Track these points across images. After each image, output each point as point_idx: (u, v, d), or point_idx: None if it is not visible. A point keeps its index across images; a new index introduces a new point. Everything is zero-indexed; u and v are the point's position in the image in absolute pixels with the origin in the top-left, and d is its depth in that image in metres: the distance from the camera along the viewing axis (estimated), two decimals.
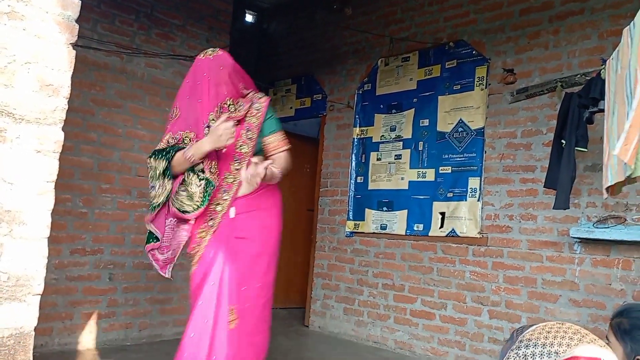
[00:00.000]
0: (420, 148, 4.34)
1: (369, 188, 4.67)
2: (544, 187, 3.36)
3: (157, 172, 2.31)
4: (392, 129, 4.58)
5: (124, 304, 3.80)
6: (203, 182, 2.28)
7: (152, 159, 2.34)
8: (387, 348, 4.30)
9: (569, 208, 3.16)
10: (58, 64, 1.80)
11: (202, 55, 2.37)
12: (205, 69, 2.32)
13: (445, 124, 4.19)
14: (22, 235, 1.72)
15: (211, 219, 2.34)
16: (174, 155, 2.30)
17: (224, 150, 2.33)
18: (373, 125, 4.74)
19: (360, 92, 4.90)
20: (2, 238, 1.68)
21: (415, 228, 4.27)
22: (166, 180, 2.31)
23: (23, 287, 1.73)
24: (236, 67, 2.37)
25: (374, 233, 4.57)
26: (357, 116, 4.88)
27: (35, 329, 1.80)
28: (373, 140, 4.72)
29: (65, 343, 3.48)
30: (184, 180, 2.31)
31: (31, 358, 1.78)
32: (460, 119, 4.10)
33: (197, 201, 2.27)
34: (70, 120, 1.92)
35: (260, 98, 2.43)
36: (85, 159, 3.63)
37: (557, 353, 1.10)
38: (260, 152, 2.42)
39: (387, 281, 4.42)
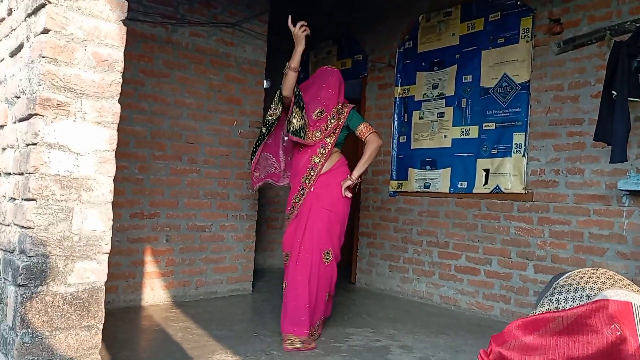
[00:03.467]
0: (464, 105, 4.30)
1: (412, 147, 4.69)
2: (594, 140, 3.29)
3: (275, 96, 3.27)
4: (435, 87, 4.54)
5: (180, 263, 4.05)
6: (299, 109, 3.16)
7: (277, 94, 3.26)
8: (432, 303, 4.41)
9: (627, 160, 3.10)
10: (111, 41, 1.92)
11: (325, 67, 3.48)
12: (326, 75, 3.36)
13: (489, 79, 4.13)
14: (89, 200, 1.90)
15: (302, 189, 3.19)
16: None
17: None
18: (415, 84, 4.70)
19: (402, 50, 4.85)
20: (72, 203, 1.86)
21: (459, 186, 4.28)
22: (279, 105, 3.26)
23: (93, 247, 1.91)
24: (343, 83, 3.39)
25: (417, 192, 4.61)
26: (398, 75, 4.86)
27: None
28: (415, 99, 4.69)
29: (130, 300, 3.77)
30: (291, 114, 3.15)
31: (103, 310, 1.98)
32: (505, 74, 4.02)
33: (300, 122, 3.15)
34: (123, 91, 2.05)
35: (346, 107, 3.34)
36: (139, 128, 3.82)
37: (588, 297, 1.14)
38: (340, 145, 3.33)
39: (432, 238, 4.49)
